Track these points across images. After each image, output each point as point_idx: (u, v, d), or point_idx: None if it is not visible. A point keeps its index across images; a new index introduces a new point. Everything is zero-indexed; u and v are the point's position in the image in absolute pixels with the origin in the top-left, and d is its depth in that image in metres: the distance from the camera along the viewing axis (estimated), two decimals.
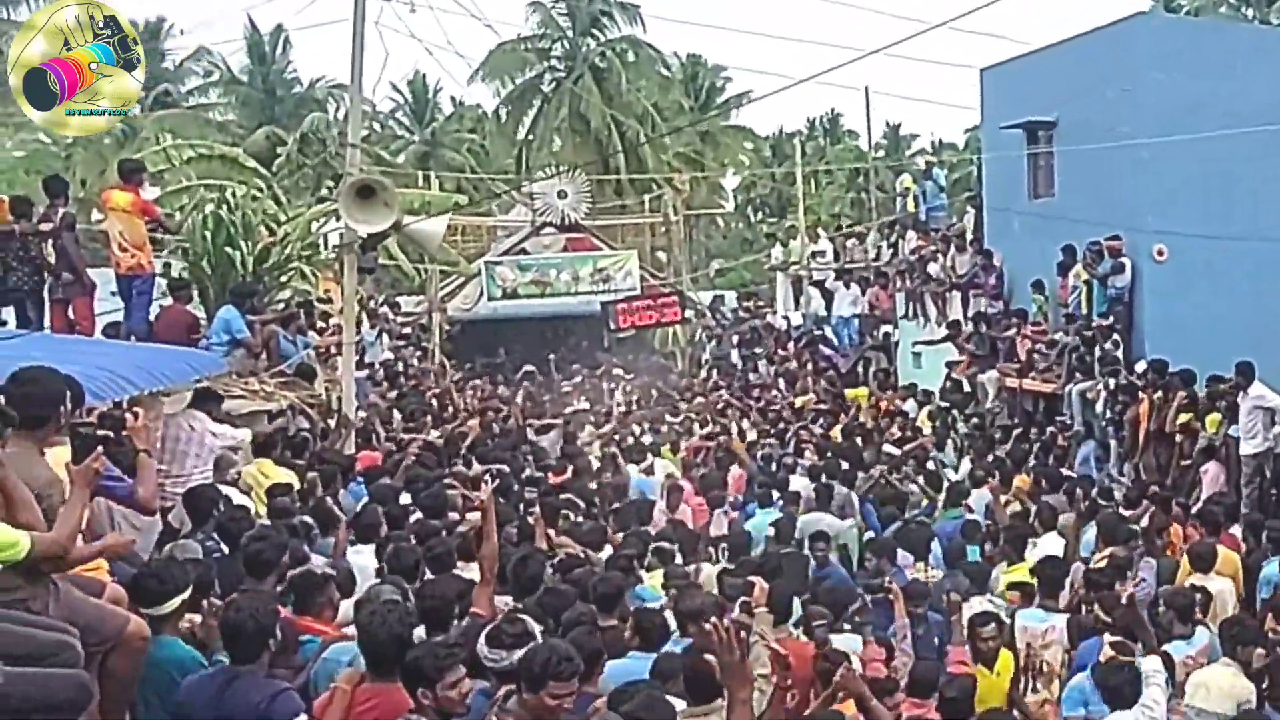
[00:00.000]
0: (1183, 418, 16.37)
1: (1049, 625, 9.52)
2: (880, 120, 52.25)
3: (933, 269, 24.91)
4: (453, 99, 54.19)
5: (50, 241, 13.67)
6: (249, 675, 5.84)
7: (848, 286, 28.21)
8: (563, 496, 12.95)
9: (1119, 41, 20.61)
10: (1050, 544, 12.14)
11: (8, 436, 5.73)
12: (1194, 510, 13.93)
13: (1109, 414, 18.26)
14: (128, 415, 5.97)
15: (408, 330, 27.39)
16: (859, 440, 19.26)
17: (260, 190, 23.02)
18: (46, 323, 13.69)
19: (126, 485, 6.78)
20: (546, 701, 5.59)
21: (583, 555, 10.19)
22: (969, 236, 24.86)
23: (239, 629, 5.89)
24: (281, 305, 17.44)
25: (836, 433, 20.17)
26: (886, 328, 26.94)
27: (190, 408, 11.05)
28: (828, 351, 27.01)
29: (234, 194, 20.21)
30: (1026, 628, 9.51)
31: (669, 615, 8.06)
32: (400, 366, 23.21)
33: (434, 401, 19.82)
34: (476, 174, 42.51)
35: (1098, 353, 19.03)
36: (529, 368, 27.93)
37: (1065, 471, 16.86)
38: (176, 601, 6.33)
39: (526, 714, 5.66)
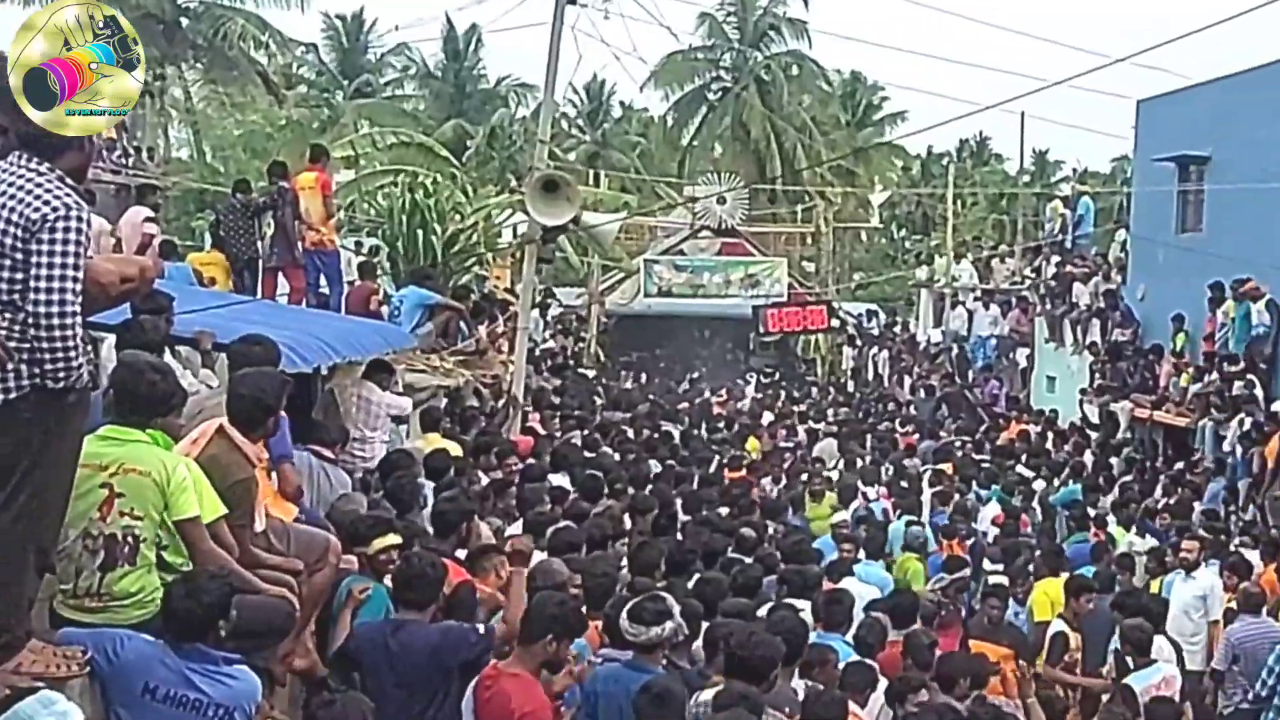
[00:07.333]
0: None
1: (1161, 679, 8.57)
2: (1028, 145, 50.92)
3: (1077, 290, 24.08)
4: (622, 103, 54.50)
5: (271, 214, 14.11)
6: (414, 623, 5.88)
7: (987, 307, 27.71)
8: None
9: (1277, 79, 19.56)
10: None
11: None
12: None
13: (1239, 452, 17.59)
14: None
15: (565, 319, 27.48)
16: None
17: (450, 179, 23.35)
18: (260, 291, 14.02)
19: None
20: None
21: None
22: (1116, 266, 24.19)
23: (418, 576, 5.98)
24: (463, 290, 17.59)
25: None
26: (1025, 350, 26.37)
27: (364, 378, 10.88)
28: (994, 384, 26.39)
29: (427, 180, 20.56)
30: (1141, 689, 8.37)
31: None
32: (563, 355, 23.40)
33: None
34: (641, 175, 42.61)
35: (1234, 390, 18.33)
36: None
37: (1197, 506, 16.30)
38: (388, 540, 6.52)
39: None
